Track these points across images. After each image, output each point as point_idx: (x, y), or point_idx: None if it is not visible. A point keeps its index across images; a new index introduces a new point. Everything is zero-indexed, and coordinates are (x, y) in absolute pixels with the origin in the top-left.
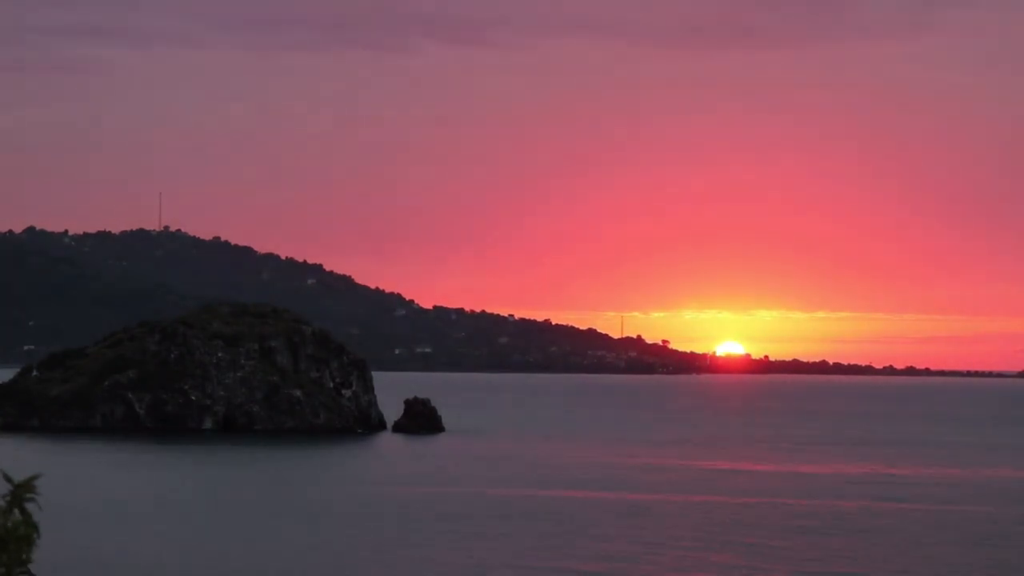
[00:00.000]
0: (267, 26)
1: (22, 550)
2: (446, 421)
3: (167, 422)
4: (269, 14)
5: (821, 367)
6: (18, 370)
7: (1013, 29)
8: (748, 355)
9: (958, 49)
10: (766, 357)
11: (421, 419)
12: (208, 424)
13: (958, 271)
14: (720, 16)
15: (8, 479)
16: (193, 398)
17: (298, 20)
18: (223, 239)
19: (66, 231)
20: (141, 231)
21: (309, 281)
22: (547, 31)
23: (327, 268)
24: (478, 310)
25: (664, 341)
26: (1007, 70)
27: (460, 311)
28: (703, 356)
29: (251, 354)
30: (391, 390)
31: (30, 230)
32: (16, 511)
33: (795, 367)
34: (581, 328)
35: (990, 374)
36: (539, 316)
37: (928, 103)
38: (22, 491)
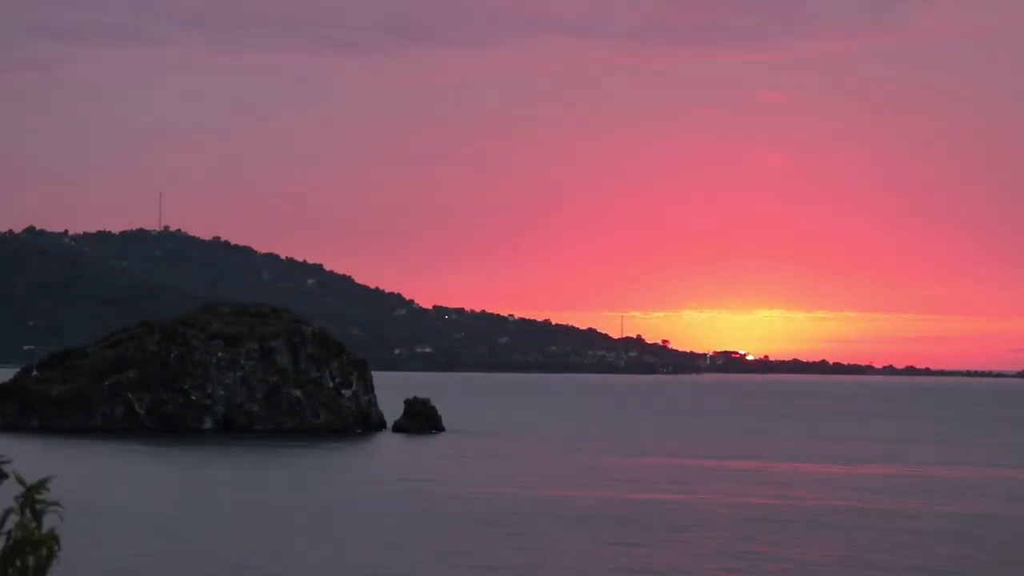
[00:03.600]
0: (242, 26)
1: (42, 556)
2: (446, 421)
3: (167, 422)
4: (241, 14)
5: (821, 367)
6: (18, 370)
7: (984, 25)
8: (748, 355)
9: (947, 48)
10: (766, 357)
11: (421, 419)
12: (208, 424)
13: (958, 271)
14: (710, 16)
15: (21, 481)
16: (193, 398)
17: (269, 20)
18: (223, 239)
19: (66, 231)
20: (141, 231)
21: (309, 281)
22: (528, 33)
23: (327, 268)
24: (478, 310)
25: (664, 341)
26: (996, 69)
27: (460, 311)
28: (703, 356)
29: (251, 354)
30: (391, 390)
31: (30, 230)
32: (30, 513)
33: (795, 367)
34: (581, 328)
35: (990, 374)
36: (539, 316)
37: (926, 102)
38: (35, 492)
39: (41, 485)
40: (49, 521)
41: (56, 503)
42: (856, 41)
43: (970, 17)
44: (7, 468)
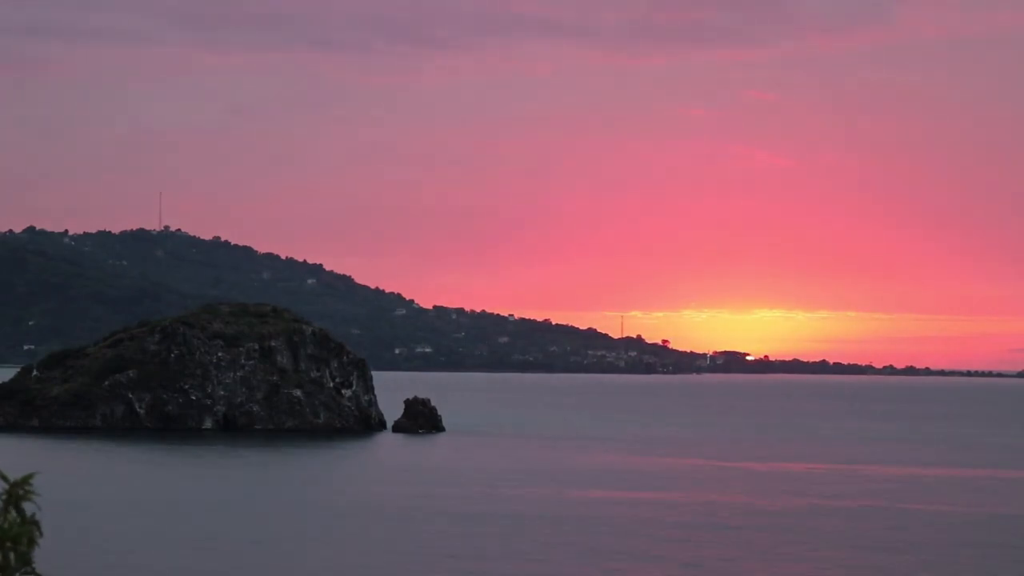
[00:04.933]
0: (235, 26)
1: (23, 549)
2: (446, 421)
3: (167, 422)
4: (233, 14)
5: (821, 367)
6: (18, 370)
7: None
8: (748, 355)
9: (935, 47)
10: (766, 357)
11: (421, 419)
12: (208, 424)
13: (958, 271)
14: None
15: (3, 477)
16: (193, 398)
17: (261, 20)
18: (223, 239)
19: (66, 231)
20: (141, 231)
21: (309, 281)
22: (520, 34)
23: (327, 268)
24: (478, 310)
25: (664, 341)
26: (987, 69)
27: (460, 311)
28: (703, 356)
29: (251, 354)
30: (391, 390)
31: (30, 230)
32: (12, 509)
33: (795, 367)
34: (581, 328)
35: (990, 374)
36: (539, 316)
37: (922, 102)
38: (18, 489)
39: (24, 481)
40: (28, 510)
41: (31, 489)
42: (843, 40)
43: (956, 16)
44: None
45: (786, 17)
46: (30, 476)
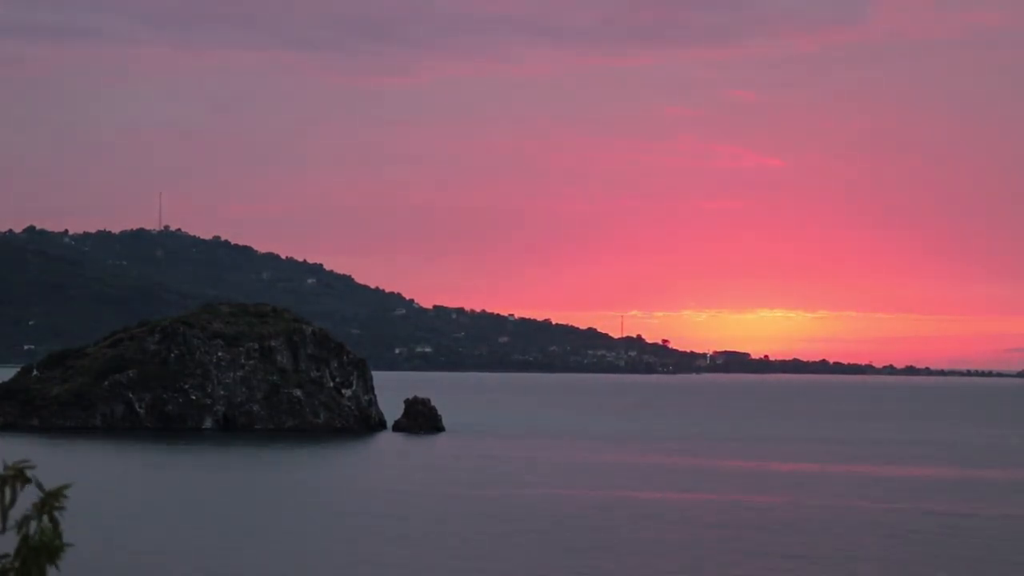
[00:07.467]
0: (229, 25)
1: (51, 561)
2: (446, 421)
3: (167, 421)
4: (226, 13)
5: (821, 367)
6: (18, 370)
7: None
8: (748, 354)
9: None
10: (766, 357)
11: (421, 419)
12: (208, 424)
13: (958, 271)
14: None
15: (39, 486)
16: (193, 398)
17: (257, 20)
18: (223, 239)
19: (66, 231)
20: (141, 231)
21: (309, 281)
22: (499, 35)
23: (327, 268)
24: (478, 310)
25: (664, 341)
26: (980, 69)
27: (460, 311)
28: (703, 356)
29: (251, 354)
30: (391, 390)
31: (30, 230)
32: (46, 519)
33: (795, 367)
34: (581, 328)
35: (990, 374)
36: (539, 316)
37: (916, 101)
38: (52, 499)
39: (60, 492)
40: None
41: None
42: (820, 39)
43: (930, 16)
44: (30, 473)
45: (764, 17)
46: (65, 487)
